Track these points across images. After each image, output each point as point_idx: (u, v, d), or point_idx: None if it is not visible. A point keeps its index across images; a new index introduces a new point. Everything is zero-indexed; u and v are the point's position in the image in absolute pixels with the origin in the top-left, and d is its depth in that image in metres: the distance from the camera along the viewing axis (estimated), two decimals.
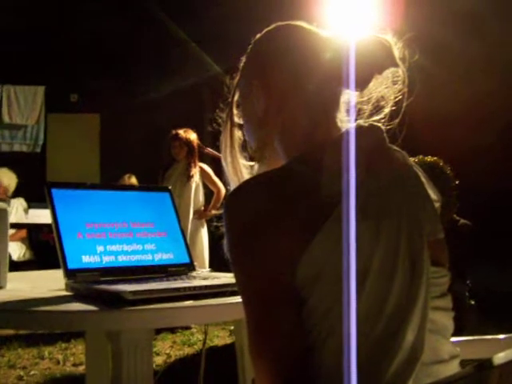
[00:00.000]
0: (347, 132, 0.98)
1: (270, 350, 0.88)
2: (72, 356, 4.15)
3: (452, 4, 5.65)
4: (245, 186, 0.98)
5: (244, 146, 1.18)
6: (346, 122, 1.07)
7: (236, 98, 1.18)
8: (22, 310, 1.24)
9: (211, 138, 4.77)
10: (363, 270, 0.86)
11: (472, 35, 5.90)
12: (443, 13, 5.67)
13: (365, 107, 1.11)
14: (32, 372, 3.78)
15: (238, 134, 1.18)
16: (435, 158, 3.30)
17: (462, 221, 3.44)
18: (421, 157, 3.22)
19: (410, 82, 1.07)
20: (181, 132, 5.21)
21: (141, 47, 8.13)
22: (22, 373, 3.75)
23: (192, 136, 5.24)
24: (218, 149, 1.20)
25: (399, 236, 0.90)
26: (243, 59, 1.16)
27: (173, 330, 4.89)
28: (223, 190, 5.22)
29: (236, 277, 0.93)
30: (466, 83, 6.11)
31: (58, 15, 7.83)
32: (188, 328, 4.98)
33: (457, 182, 3.32)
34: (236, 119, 1.18)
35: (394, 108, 1.09)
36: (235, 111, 1.18)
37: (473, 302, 3.44)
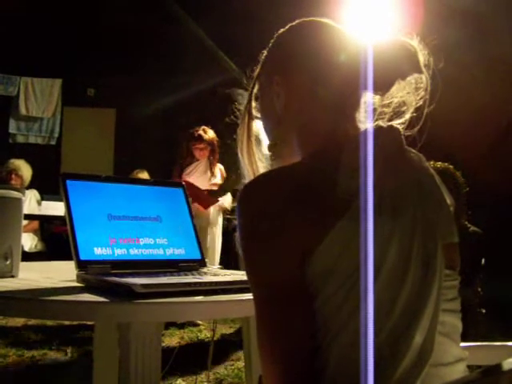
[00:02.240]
0: (366, 131, 0.98)
1: (280, 348, 0.88)
2: (80, 348, 4.17)
3: (471, 6, 5.62)
4: (260, 179, 0.98)
5: (260, 140, 1.18)
6: (365, 122, 1.07)
7: (255, 90, 1.18)
8: (32, 298, 1.24)
9: (224, 136, 4.77)
10: (375, 268, 0.86)
11: (491, 38, 5.87)
12: (461, 15, 5.64)
13: (386, 110, 1.11)
14: (40, 362, 3.80)
15: (255, 127, 1.18)
16: (445, 164, 3.29)
17: (473, 228, 3.43)
18: (432, 162, 3.21)
19: (432, 89, 1.07)
20: (203, 133, 5.16)
21: (159, 44, 8.15)
22: (30, 363, 3.78)
23: (213, 134, 5.22)
24: (234, 141, 1.20)
25: (413, 236, 0.90)
26: (265, 52, 1.15)
27: (181, 326, 4.90)
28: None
29: (247, 271, 0.94)
30: (484, 87, 6.07)
31: (79, 10, 7.87)
32: (196, 325, 4.99)
33: (467, 189, 3.31)
34: (254, 112, 1.18)
35: (414, 114, 1.09)
36: (253, 104, 1.18)
37: (483, 311, 3.42)
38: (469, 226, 3.42)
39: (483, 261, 3.46)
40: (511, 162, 6.37)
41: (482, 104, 6.22)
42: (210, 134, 5.19)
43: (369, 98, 1.09)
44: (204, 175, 5.18)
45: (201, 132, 5.16)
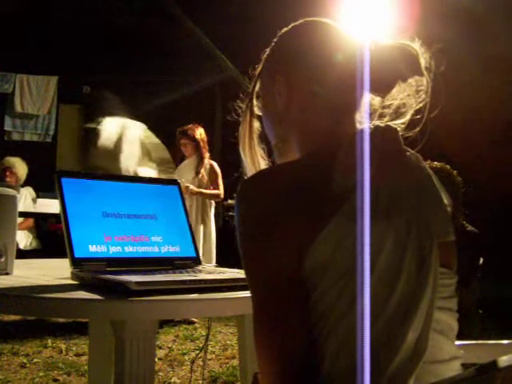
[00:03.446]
0: (363, 130, 0.99)
1: (277, 345, 0.89)
2: (75, 346, 4.17)
3: (467, 6, 5.63)
4: (256, 177, 0.99)
5: (262, 137, 1.18)
6: (364, 123, 1.07)
7: (257, 88, 1.17)
8: (27, 296, 1.24)
9: (221, 136, 4.80)
10: (370, 264, 0.86)
11: (487, 37, 5.88)
12: (459, 14, 5.65)
13: (386, 111, 1.11)
14: (35, 360, 3.80)
15: (256, 124, 1.18)
16: (442, 164, 3.29)
17: (470, 227, 3.43)
18: (428, 162, 3.20)
19: (435, 92, 1.07)
20: (186, 129, 5.24)
21: (155, 43, 8.14)
22: (24, 360, 3.77)
23: (198, 131, 5.27)
24: (235, 140, 1.20)
25: (408, 235, 0.90)
26: (267, 50, 1.15)
27: (175, 326, 4.91)
28: (221, 196, 5.26)
29: (245, 267, 0.94)
30: (482, 87, 6.08)
31: (75, 8, 7.85)
32: (191, 323, 5.00)
33: (463, 189, 3.30)
34: (255, 110, 1.18)
35: (416, 117, 1.09)
36: (255, 102, 1.18)
37: (480, 311, 3.42)
38: (466, 225, 3.42)
39: (481, 260, 3.46)
40: (509, 161, 6.39)
41: (480, 104, 6.24)
42: (193, 130, 5.24)
43: (368, 99, 1.09)
44: (190, 172, 5.22)
45: (185, 128, 5.24)
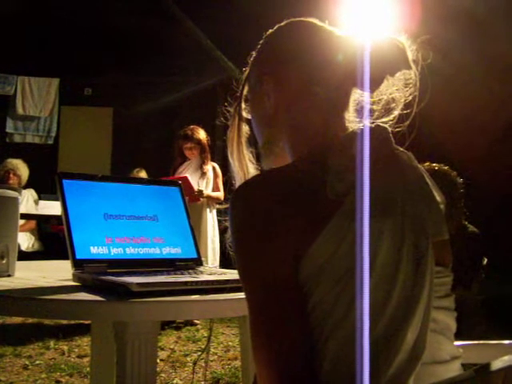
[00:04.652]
0: (354, 132, 0.98)
1: (275, 351, 0.88)
2: (77, 347, 4.17)
3: (469, 5, 5.63)
4: (252, 183, 0.97)
5: (251, 141, 1.18)
6: (354, 122, 1.06)
7: (245, 92, 1.17)
8: (29, 297, 1.24)
9: (222, 138, 4.79)
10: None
11: (488, 38, 5.88)
12: (459, 14, 5.65)
13: (375, 107, 1.10)
14: (37, 362, 3.80)
15: (245, 128, 1.18)
16: (440, 165, 3.28)
17: (472, 228, 3.42)
18: (427, 163, 3.20)
19: (423, 86, 1.06)
20: (191, 133, 5.23)
21: (156, 43, 8.14)
22: (27, 362, 3.78)
23: (202, 134, 5.26)
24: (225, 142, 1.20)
25: (403, 235, 0.89)
26: (254, 53, 1.14)
27: (178, 328, 4.91)
28: (222, 198, 5.26)
29: (240, 274, 0.93)
30: (482, 87, 6.07)
31: (76, 9, 7.86)
32: (193, 324, 5.00)
33: (462, 190, 3.30)
34: (244, 114, 1.18)
35: (406, 111, 1.08)
36: (243, 105, 1.18)
37: (482, 311, 3.41)
38: (468, 226, 3.41)
39: (485, 261, 3.45)
40: (509, 161, 6.38)
41: (481, 104, 6.23)
42: (198, 133, 5.24)
43: (358, 96, 1.09)
44: (195, 174, 5.22)
45: (189, 132, 5.22)
